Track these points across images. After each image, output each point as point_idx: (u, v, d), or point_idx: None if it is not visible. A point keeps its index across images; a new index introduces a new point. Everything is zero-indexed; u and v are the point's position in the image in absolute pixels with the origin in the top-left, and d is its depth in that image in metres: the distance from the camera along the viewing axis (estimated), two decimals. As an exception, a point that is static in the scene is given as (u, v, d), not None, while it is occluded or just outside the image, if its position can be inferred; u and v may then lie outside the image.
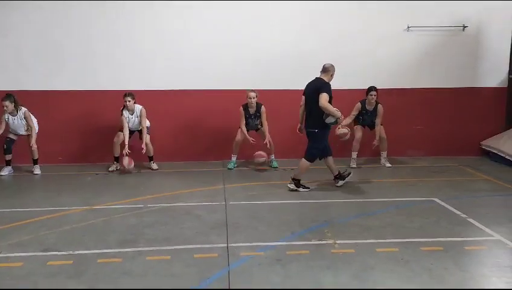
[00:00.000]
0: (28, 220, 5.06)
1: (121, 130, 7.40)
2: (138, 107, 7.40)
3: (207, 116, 8.18)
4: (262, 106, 7.50)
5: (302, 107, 6.36)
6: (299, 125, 6.57)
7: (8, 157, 7.35)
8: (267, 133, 7.43)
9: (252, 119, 7.56)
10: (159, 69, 8.05)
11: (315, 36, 8.14)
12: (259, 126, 7.63)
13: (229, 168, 7.58)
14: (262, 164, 7.51)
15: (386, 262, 3.98)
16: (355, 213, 5.36)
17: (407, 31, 8.26)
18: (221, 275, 3.75)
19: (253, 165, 7.69)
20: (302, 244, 4.38)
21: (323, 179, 6.76)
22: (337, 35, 8.16)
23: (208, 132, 8.22)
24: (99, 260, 4.04)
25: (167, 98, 8.05)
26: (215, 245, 4.37)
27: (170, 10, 7.95)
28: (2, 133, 7.21)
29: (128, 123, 7.38)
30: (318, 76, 6.17)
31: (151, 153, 7.61)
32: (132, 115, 7.39)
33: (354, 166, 7.64)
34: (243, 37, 8.06)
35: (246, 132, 7.43)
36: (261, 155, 7.41)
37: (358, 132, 7.72)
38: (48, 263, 3.98)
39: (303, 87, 6.37)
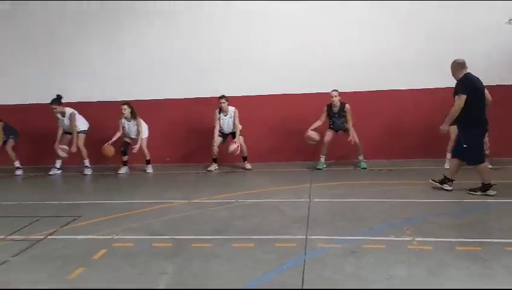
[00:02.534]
0: (139, 210, 5.91)
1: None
2: (231, 109, 8.04)
3: (297, 118, 8.56)
4: (347, 105, 7.67)
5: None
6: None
7: (125, 158, 8.49)
8: (352, 131, 7.58)
9: (337, 117, 7.77)
10: (252, 76, 8.66)
11: (397, 34, 8.15)
12: (346, 126, 7.78)
13: (317, 169, 7.86)
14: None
15: (463, 260, 3.96)
16: (439, 212, 5.30)
17: (509, 23, 7.79)
18: (297, 262, 4.08)
19: (342, 166, 7.89)
20: (379, 239, 4.53)
21: (405, 179, 6.74)
22: (426, 32, 8.04)
23: (299, 134, 8.55)
24: (193, 245, 4.62)
25: (260, 103, 8.64)
26: (295, 237, 4.71)
27: (256, 21, 8.58)
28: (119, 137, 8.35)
29: (222, 125, 8.06)
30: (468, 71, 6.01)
31: (245, 154, 8.21)
32: (226, 116, 8.06)
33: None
34: (327, 42, 8.38)
35: (315, 127, 7.71)
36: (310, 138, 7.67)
37: None
38: (153, 245, 4.68)
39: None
